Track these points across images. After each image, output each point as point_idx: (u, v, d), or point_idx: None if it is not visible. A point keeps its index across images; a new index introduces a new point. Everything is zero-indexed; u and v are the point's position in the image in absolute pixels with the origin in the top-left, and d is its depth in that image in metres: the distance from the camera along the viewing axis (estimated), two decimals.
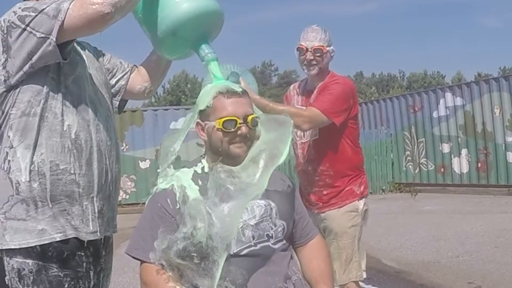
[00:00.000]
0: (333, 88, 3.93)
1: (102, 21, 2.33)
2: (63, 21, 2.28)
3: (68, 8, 2.27)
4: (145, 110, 17.73)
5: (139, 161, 16.56)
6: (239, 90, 2.54)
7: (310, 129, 3.98)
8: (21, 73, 2.39)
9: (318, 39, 3.94)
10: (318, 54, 3.95)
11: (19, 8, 2.37)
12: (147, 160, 16.44)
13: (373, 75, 70.54)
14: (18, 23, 2.33)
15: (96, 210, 2.57)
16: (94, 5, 2.27)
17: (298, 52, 4.03)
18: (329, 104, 3.82)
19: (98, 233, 2.59)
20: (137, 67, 3.04)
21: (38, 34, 2.31)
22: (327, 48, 3.97)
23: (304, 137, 4.13)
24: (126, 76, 2.99)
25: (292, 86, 4.42)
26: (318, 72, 4.00)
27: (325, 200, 4.04)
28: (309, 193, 4.14)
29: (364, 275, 4.07)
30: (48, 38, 2.30)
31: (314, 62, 3.96)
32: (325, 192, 4.04)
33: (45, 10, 2.30)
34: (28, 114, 2.42)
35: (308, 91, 4.12)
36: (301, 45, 3.98)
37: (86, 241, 2.54)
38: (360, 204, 4.05)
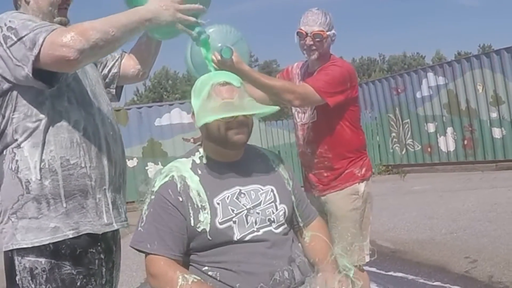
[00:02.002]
0: (330, 69, 3.85)
1: (68, 65, 2.31)
2: (36, 55, 2.26)
3: (41, 44, 2.25)
4: (129, 109, 17.61)
5: (126, 160, 16.46)
6: (236, 84, 2.55)
7: (301, 106, 3.94)
8: (8, 84, 2.39)
9: (318, 24, 3.83)
10: (318, 39, 3.84)
11: (5, 25, 2.35)
12: (134, 159, 16.34)
13: (354, 60, 70.47)
14: (1, 41, 2.33)
15: (110, 202, 2.59)
16: (63, 47, 2.24)
17: (298, 36, 3.93)
18: (324, 84, 3.74)
19: (114, 224, 2.61)
20: (126, 52, 3.06)
21: (14, 61, 2.31)
22: (327, 33, 3.86)
23: (304, 119, 4.08)
24: (117, 63, 3.01)
25: (296, 64, 4.31)
26: (318, 56, 3.90)
27: (325, 183, 4.00)
28: (309, 175, 4.12)
29: (367, 259, 4.02)
30: (24, 69, 2.30)
31: (314, 47, 3.87)
32: (325, 174, 4.00)
33: (24, 39, 2.28)
34: (31, 115, 2.42)
35: (309, 73, 4.03)
36: (301, 29, 3.88)
37: (100, 236, 2.54)
38: (361, 187, 3.98)
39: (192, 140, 16.29)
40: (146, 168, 16.52)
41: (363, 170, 4.02)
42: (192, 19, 2.59)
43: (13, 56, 2.31)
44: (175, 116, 16.97)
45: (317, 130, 3.99)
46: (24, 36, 2.29)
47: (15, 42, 2.30)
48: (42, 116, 2.42)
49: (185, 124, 16.78)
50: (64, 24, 2.62)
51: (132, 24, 2.39)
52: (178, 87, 56.26)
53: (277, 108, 2.67)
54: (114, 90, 3.04)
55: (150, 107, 17.86)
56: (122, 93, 3.16)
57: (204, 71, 2.83)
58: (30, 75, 2.29)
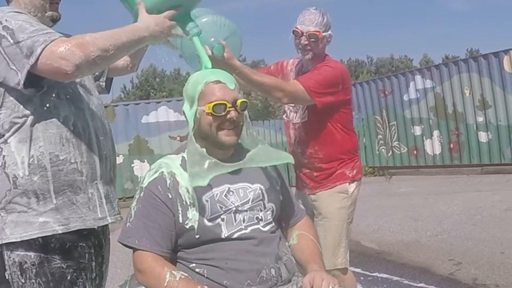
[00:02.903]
0: (323, 69, 3.83)
1: (63, 77, 2.32)
2: (32, 65, 2.26)
3: (39, 54, 2.25)
4: (116, 106, 17.54)
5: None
6: (230, 85, 2.55)
7: (290, 103, 3.95)
8: None
9: (315, 24, 3.80)
10: (313, 40, 3.81)
11: (1, 23, 2.34)
12: (120, 156, 16.20)
13: (341, 62, 69.97)
14: None
15: (103, 196, 2.59)
16: (61, 60, 2.24)
17: (293, 35, 3.90)
18: (314, 83, 3.73)
19: (108, 217, 2.61)
20: None
21: (10, 64, 2.31)
22: (323, 34, 3.84)
23: (295, 119, 4.06)
24: None
25: (291, 60, 4.26)
26: (313, 57, 3.88)
27: (316, 181, 4.00)
28: (300, 174, 4.13)
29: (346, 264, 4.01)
30: (18, 75, 2.30)
31: (309, 48, 3.84)
32: (315, 174, 4.00)
33: (21, 44, 2.28)
34: (18, 111, 2.41)
35: (303, 72, 3.99)
36: (297, 28, 3.85)
37: (89, 230, 2.54)
38: (351, 187, 3.97)
39: (178, 138, 16.27)
40: (132, 165, 16.45)
41: (354, 171, 4.01)
42: (180, 34, 2.63)
43: (8, 58, 2.30)
44: (162, 114, 16.95)
45: (308, 130, 3.99)
46: (21, 41, 2.28)
47: (11, 45, 2.29)
48: (29, 111, 2.42)
49: (171, 122, 16.77)
50: (56, 18, 2.62)
51: (130, 43, 2.43)
52: (165, 85, 56.13)
53: (291, 159, 2.76)
54: (104, 83, 3.03)
55: (137, 104, 17.79)
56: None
57: (194, 62, 2.88)
58: (22, 82, 2.29)
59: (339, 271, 3.88)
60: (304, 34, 3.82)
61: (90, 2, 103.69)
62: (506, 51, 14.16)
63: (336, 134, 3.95)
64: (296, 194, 4.14)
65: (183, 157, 2.57)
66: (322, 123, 3.93)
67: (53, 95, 2.46)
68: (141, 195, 2.48)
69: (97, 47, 2.28)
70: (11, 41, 2.29)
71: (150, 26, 2.48)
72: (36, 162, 2.41)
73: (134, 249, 2.43)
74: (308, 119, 3.97)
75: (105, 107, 14.53)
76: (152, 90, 55.76)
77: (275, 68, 4.28)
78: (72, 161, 2.48)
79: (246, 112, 2.60)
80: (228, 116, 2.49)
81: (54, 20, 2.62)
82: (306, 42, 3.83)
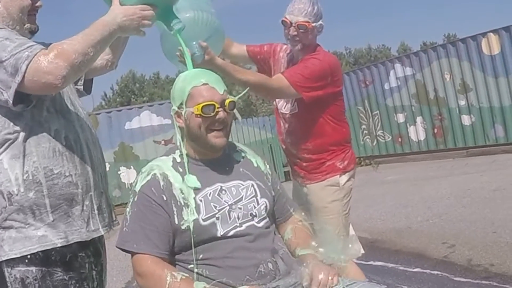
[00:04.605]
0: (310, 62, 3.72)
1: (53, 90, 2.34)
2: (19, 83, 2.25)
3: (25, 71, 2.23)
4: (99, 114, 17.46)
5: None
6: (219, 90, 2.54)
7: (276, 99, 3.93)
8: None
9: (304, 14, 3.69)
10: (302, 30, 3.70)
11: None
12: (106, 164, 16.07)
13: None
14: None
15: (95, 207, 2.58)
16: (47, 75, 2.24)
17: (282, 25, 3.79)
18: (300, 78, 3.63)
19: (101, 229, 2.61)
20: None
21: None
22: (313, 24, 3.72)
23: (284, 109, 3.99)
24: None
25: (285, 47, 4.12)
26: (302, 48, 3.78)
27: (307, 171, 3.95)
28: (291, 164, 4.11)
29: (361, 251, 4.02)
30: (3, 95, 2.28)
31: (297, 38, 3.74)
32: (304, 165, 3.95)
33: (4, 64, 2.26)
34: (8, 127, 2.39)
35: (294, 63, 3.91)
36: (285, 18, 3.74)
37: (88, 241, 2.53)
38: (342, 179, 3.90)
39: (163, 142, 16.24)
40: (119, 172, 16.34)
41: (345, 162, 3.94)
42: (149, 23, 2.59)
43: None
44: (145, 119, 16.89)
45: (297, 121, 3.92)
46: (4, 61, 2.26)
47: None
48: (20, 127, 2.40)
49: (155, 126, 16.73)
50: (34, 30, 2.60)
51: (104, 39, 2.41)
52: (146, 89, 56.00)
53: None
54: (82, 87, 3.00)
55: (119, 111, 17.70)
56: (90, 99, 3.14)
57: (174, 59, 2.96)
58: (11, 101, 2.27)
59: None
60: (293, 24, 3.72)
61: (65, 12, 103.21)
62: (483, 34, 14.28)
63: (326, 126, 3.88)
64: (293, 186, 4.16)
65: (173, 158, 2.58)
66: (312, 115, 3.85)
67: (44, 109, 2.46)
68: (135, 199, 2.47)
69: (78, 53, 2.27)
70: None
71: (117, 17, 2.44)
72: (31, 177, 2.40)
73: (133, 253, 2.42)
74: (298, 110, 3.89)
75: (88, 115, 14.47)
76: (132, 96, 55.57)
77: (268, 50, 4.18)
78: (67, 174, 2.47)
79: (235, 110, 2.60)
80: (217, 116, 2.49)
81: (32, 32, 2.60)
82: (295, 33, 3.73)
